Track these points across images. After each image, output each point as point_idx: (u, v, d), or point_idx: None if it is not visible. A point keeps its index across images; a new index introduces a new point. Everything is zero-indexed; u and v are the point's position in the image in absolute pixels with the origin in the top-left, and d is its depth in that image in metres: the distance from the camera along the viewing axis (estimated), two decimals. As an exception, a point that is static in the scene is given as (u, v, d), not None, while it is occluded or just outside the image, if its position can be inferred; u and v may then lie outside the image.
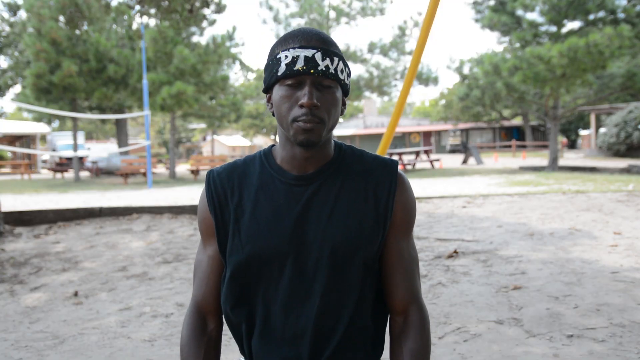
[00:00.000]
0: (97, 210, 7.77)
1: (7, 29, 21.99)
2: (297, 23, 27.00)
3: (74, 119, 19.09)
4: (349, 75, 1.11)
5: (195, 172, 20.17)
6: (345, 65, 1.09)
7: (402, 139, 46.31)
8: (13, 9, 21.46)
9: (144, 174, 18.63)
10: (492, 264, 4.71)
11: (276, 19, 27.23)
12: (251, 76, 39.05)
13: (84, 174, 23.82)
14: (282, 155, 1.13)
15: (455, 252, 5.13)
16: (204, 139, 60.16)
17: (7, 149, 22.10)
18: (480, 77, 20.10)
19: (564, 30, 17.77)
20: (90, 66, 17.52)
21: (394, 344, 1.15)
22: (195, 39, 21.12)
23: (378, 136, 42.45)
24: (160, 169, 27.89)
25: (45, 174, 26.40)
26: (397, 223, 1.14)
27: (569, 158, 26.29)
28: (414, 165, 20.90)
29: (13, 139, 29.32)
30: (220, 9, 18.74)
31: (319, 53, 1.04)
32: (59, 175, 23.13)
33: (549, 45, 15.87)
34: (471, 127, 42.32)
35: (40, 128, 28.54)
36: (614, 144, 25.21)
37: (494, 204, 8.55)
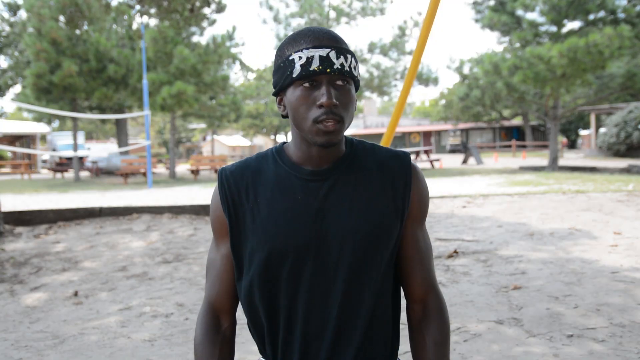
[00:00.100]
0: (97, 210, 7.77)
1: (7, 28, 21.98)
2: (297, 23, 27.01)
3: (74, 119, 19.09)
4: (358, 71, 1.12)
5: (195, 172, 20.16)
6: (357, 61, 1.09)
7: (402, 139, 46.32)
8: (13, 9, 21.46)
9: (144, 174, 18.62)
10: (492, 264, 4.71)
11: (276, 19, 27.23)
12: (251, 76, 39.08)
13: (84, 174, 23.82)
14: (297, 153, 1.13)
15: (455, 252, 5.13)
16: (204, 139, 60.15)
17: (7, 149, 22.10)
18: (480, 77, 20.10)
19: (564, 30, 17.77)
20: (90, 66, 17.53)
21: (414, 333, 1.16)
22: (195, 39, 21.12)
23: (378, 136, 42.45)
24: (160, 169, 27.89)
25: (45, 173, 26.40)
26: (413, 213, 1.15)
27: (569, 158, 26.29)
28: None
29: (13, 139, 29.32)
30: (220, 8, 18.73)
31: (333, 52, 1.04)
32: (59, 175, 23.13)
33: (549, 45, 15.87)
34: (471, 127, 42.32)
35: (40, 128, 28.54)
36: (614, 144, 25.21)
37: (494, 203, 8.55)
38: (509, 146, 38.00)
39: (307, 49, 1.04)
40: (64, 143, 27.85)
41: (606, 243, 5.31)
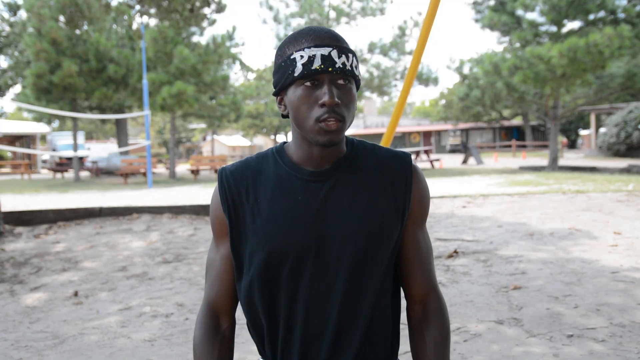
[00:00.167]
0: (97, 210, 7.77)
1: (7, 28, 21.98)
2: (297, 23, 27.01)
3: (74, 119, 19.09)
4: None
5: (195, 172, 20.16)
6: (357, 60, 1.09)
7: (402, 139, 46.32)
8: (13, 9, 21.46)
9: (144, 174, 18.63)
10: (492, 264, 4.71)
11: (276, 19, 27.24)
12: (251, 76, 39.08)
13: (84, 174, 23.82)
14: (297, 153, 1.12)
15: (455, 252, 5.13)
16: (204, 139, 60.16)
17: (7, 149, 22.10)
18: (480, 77, 20.11)
19: (564, 30, 17.78)
20: (90, 66, 17.53)
21: (414, 333, 1.16)
22: (195, 39, 21.12)
23: (378, 136, 42.45)
24: (160, 169, 27.89)
25: (45, 173, 26.40)
26: (414, 214, 1.15)
27: (569, 158, 26.29)
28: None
29: (13, 139, 29.33)
30: (220, 8, 18.73)
31: (335, 51, 1.04)
32: (59, 175, 23.13)
33: (549, 45, 15.87)
34: (471, 127, 42.33)
35: (40, 128, 28.54)
36: (614, 144, 25.21)
37: (494, 203, 8.55)
38: (509, 146, 38.00)
39: (309, 47, 1.03)
40: (64, 143, 27.85)
41: (606, 243, 5.31)
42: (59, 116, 24.38)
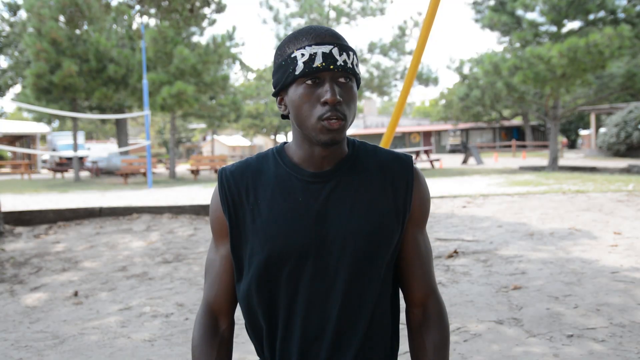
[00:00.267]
0: (97, 210, 7.77)
1: (7, 29, 21.98)
2: (297, 23, 27.02)
3: (74, 119, 19.09)
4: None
5: (195, 172, 20.16)
6: (357, 58, 1.09)
7: (402, 139, 46.31)
8: (13, 9, 21.45)
9: (144, 174, 18.63)
10: (492, 264, 4.71)
11: (276, 19, 27.24)
12: (251, 76, 39.07)
13: (84, 174, 23.82)
14: (298, 153, 1.11)
15: (455, 252, 5.13)
16: (204, 139, 60.15)
17: (7, 149, 22.10)
18: (480, 77, 20.10)
19: (564, 30, 17.78)
20: (90, 66, 17.53)
21: (414, 337, 1.16)
22: (195, 39, 21.12)
23: (378, 136, 42.44)
24: (160, 169, 27.89)
25: (45, 173, 26.40)
26: (414, 216, 1.15)
27: (569, 158, 26.29)
28: (414, 165, 20.92)
29: (13, 139, 29.33)
30: (220, 8, 18.73)
31: (336, 48, 1.03)
32: (59, 175, 23.13)
33: (549, 45, 15.87)
34: (471, 127, 42.32)
35: (40, 128, 28.54)
36: (614, 144, 25.22)
37: (494, 203, 8.55)
38: (509, 146, 38.00)
39: (310, 45, 1.03)
40: (64, 143, 27.85)
41: (606, 243, 5.31)
42: (59, 116, 24.39)
